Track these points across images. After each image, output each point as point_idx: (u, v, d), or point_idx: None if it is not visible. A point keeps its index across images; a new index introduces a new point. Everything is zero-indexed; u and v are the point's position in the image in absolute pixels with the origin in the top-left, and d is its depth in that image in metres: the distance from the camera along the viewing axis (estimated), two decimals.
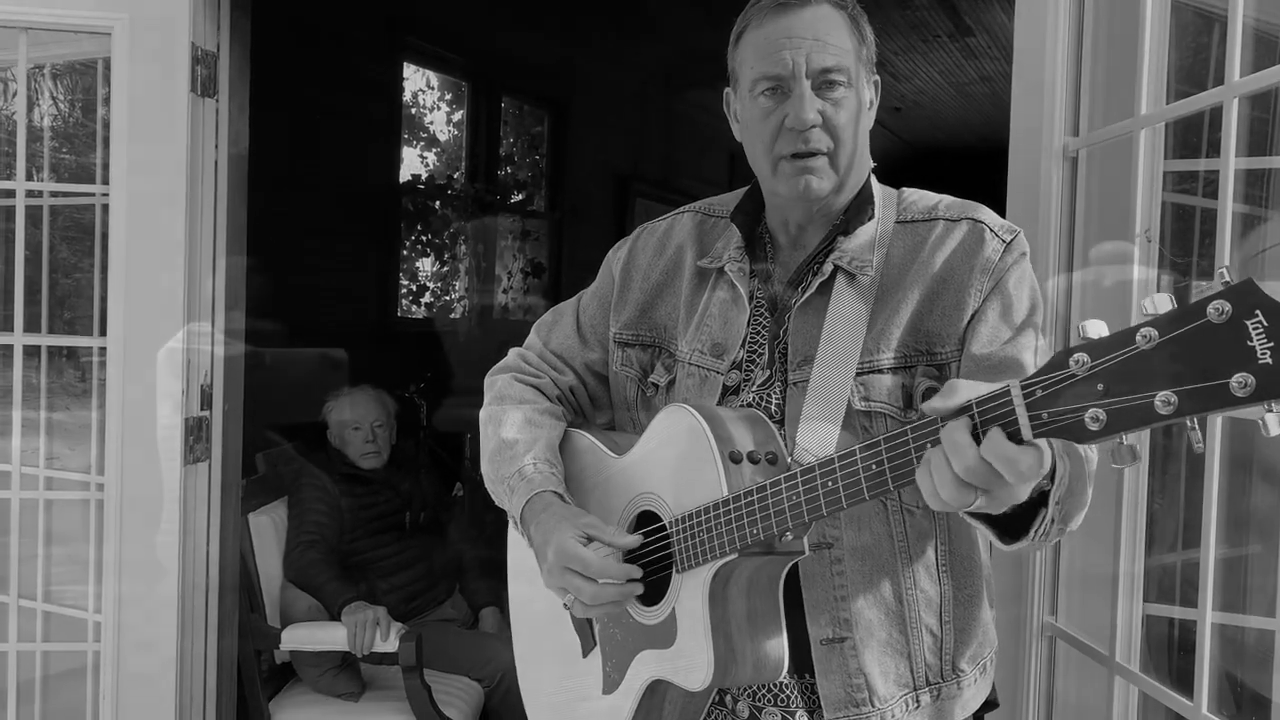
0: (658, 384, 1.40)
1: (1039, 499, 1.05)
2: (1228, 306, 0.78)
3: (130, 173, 2.27)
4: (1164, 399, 0.81)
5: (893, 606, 1.28)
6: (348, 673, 2.98)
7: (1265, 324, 0.77)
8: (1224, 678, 1.76)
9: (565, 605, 1.27)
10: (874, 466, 1.03)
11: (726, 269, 1.36)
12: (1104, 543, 1.72)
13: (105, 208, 2.33)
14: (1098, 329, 0.86)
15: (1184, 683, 1.54)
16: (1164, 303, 0.83)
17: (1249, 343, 0.78)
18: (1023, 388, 0.90)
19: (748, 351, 1.33)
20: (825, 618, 1.27)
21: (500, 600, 3.47)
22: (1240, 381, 0.78)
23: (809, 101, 1.25)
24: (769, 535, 1.12)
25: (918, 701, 1.30)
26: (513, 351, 1.55)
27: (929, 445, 0.98)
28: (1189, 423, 0.82)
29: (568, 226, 6.39)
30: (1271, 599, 1.78)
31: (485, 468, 1.43)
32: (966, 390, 0.95)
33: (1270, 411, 0.78)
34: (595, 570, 1.21)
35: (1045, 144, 1.76)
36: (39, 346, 2.42)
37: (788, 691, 1.30)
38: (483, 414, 1.48)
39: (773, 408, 1.29)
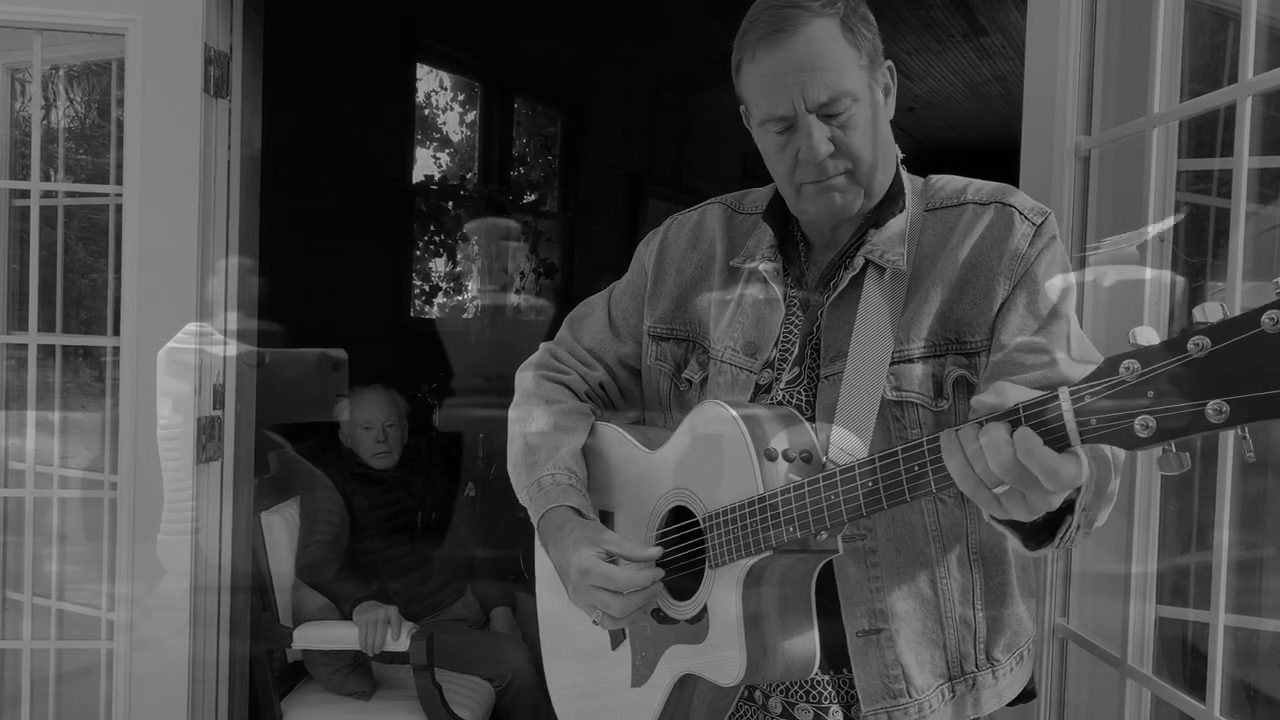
0: (691, 380, 1.40)
1: (1065, 506, 1.05)
2: None
3: (143, 173, 2.28)
4: (1215, 407, 0.81)
5: (927, 596, 1.28)
6: (359, 672, 2.98)
7: None
8: (1237, 681, 1.75)
9: (594, 622, 1.28)
10: (916, 468, 1.03)
11: (760, 268, 1.35)
12: (1116, 545, 1.71)
13: (119, 208, 2.34)
14: (1148, 336, 0.86)
15: (1197, 686, 1.53)
16: (1215, 311, 0.82)
17: None
18: (1071, 394, 0.90)
19: (780, 350, 1.33)
20: (861, 609, 1.27)
21: (512, 600, 3.48)
22: None
23: (817, 136, 1.23)
24: (806, 534, 1.13)
25: (953, 691, 1.30)
26: (543, 347, 1.55)
27: None
28: (1240, 432, 0.82)
29: (580, 227, 6.39)
30: None
31: (510, 470, 1.44)
32: (1016, 394, 0.95)
33: None
34: (621, 584, 1.22)
35: (1057, 143, 1.75)
36: (54, 346, 2.44)
37: (820, 687, 1.30)
38: (510, 413, 1.48)
39: (802, 403, 1.29)
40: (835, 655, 1.28)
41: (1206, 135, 1.72)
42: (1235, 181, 1.41)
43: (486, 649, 3.22)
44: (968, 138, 8.12)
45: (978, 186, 1.32)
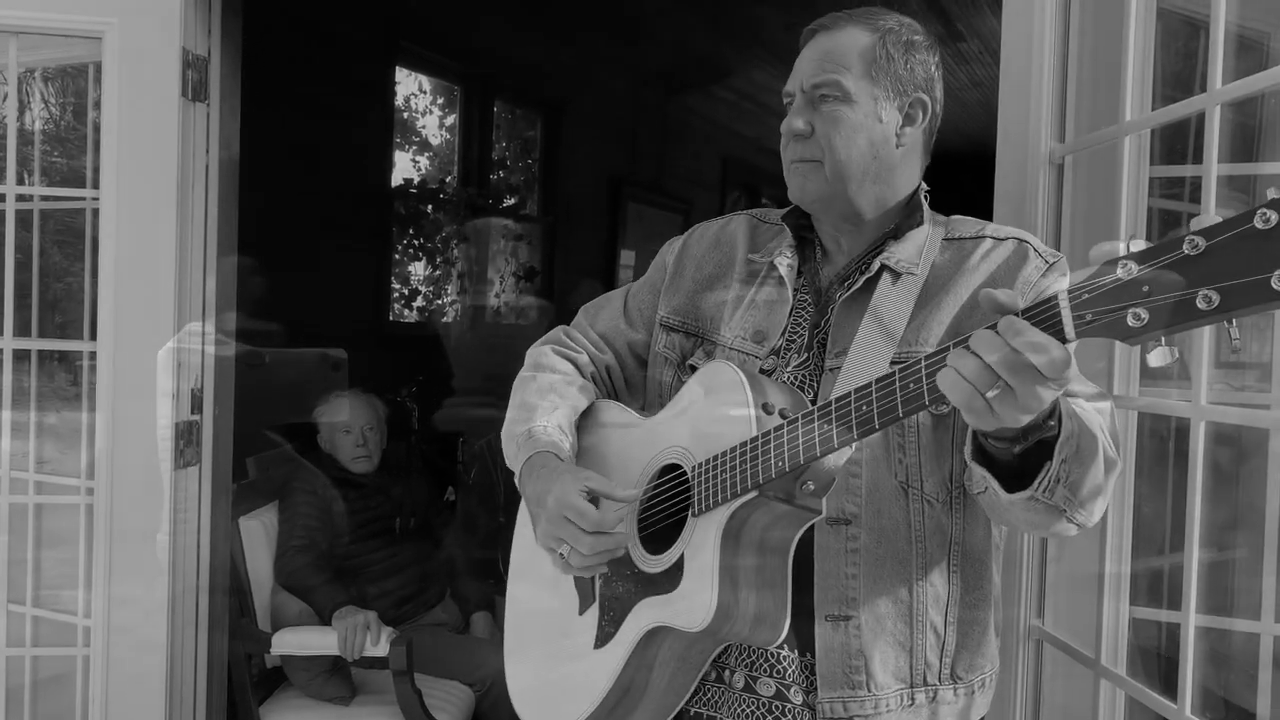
0: (695, 367, 1.42)
1: (1044, 451, 1.08)
2: (1274, 215, 0.81)
3: (120, 177, 2.27)
4: (1205, 296, 0.84)
5: (901, 596, 1.30)
6: (338, 677, 2.97)
7: None
8: (1209, 680, 1.77)
9: (561, 555, 1.27)
10: (911, 385, 1.05)
11: (776, 263, 1.40)
12: (1091, 546, 1.73)
13: (96, 212, 2.32)
14: (1143, 244, 0.90)
15: (1170, 686, 1.54)
16: (1213, 219, 0.85)
17: None
18: (1070, 293, 0.93)
19: (787, 340, 1.37)
20: (834, 594, 1.28)
21: (492, 605, 3.47)
22: None
23: (796, 111, 1.34)
24: (795, 465, 1.14)
25: (913, 699, 1.31)
26: (558, 327, 1.60)
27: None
28: (1227, 323, 0.85)
29: (560, 230, 6.39)
30: (1257, 602, 1.79)
31: (504, 430, 1.47)
32: (1020, 301, 0.99)
33: None
34: (592, 522, 1.23)
35: (1032, 150, 1.77)
36: (29, 350, 2.42)
37: (786, 663, 1.31)
38: (516, 379, 1.51)
39: (806, 389, 1.32)
40: (804, 639, 1.29)
41: (1178, 142, 1.74)
42: (1205, 188, 1.43)
43: (466, 654, 3.22)
44: (946, 143, 8.17)
45: (996, 226, 1.38)
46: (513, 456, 1.42)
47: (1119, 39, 1.64)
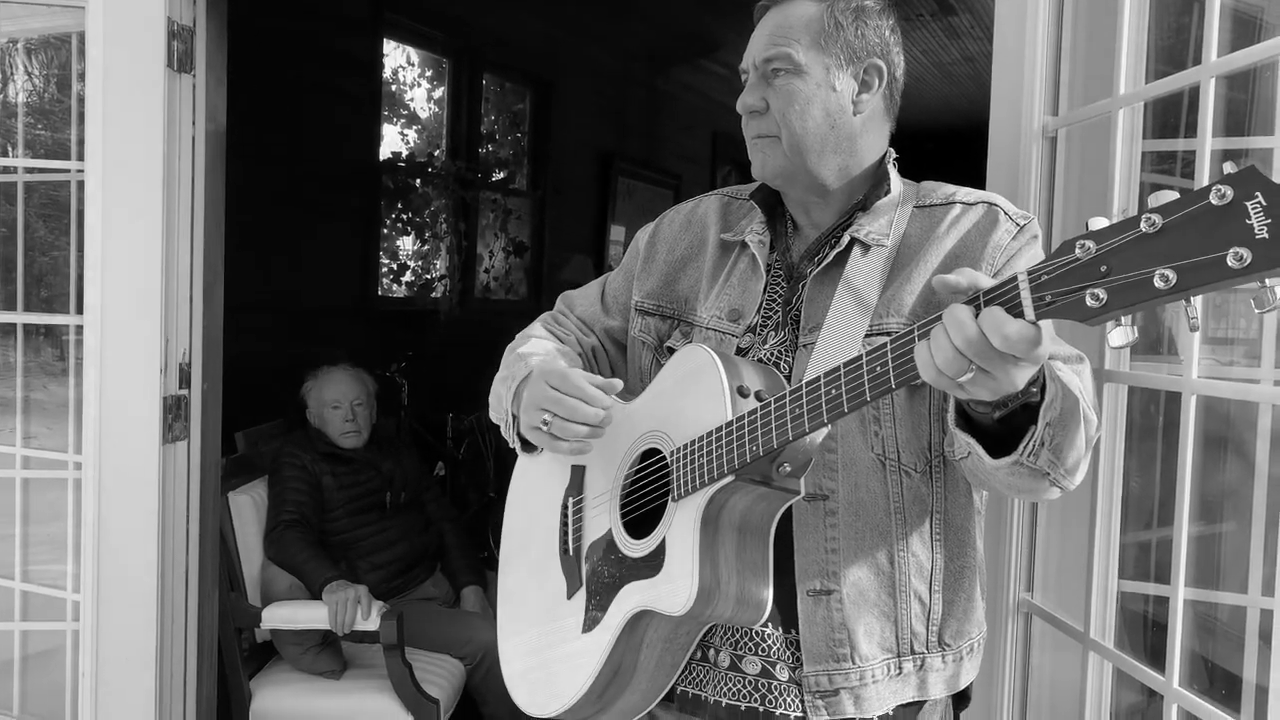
0: (673, 349, 1.42)
1: (1028, 416, 1.08)
2: (1229, 190, 0.81)
3: (106, 149, 2.24)
4: (1162, 275, 0.83)
5: (883, 567, 1.30)
6: (329, 651, 2.98)
7: (1264, 203, 0.80)
8: (1196, 653, 1.78)
9: (544, 422, 1.28)
10: (878, 368, 1.05)
11: (747, 239, 1.41)
12: (1080, 520, 1.74)
13: (81, 184, 2.30)
14: (1102, 222, 0.89)
15: (1158, 658, 1.56)
16: (1169, 195, 0.85)
17: (1247, 221, 0.80)
18: (1029, 274, 0.93)
19: (762, 317, 1.37)
20: (814, 568, 1.29)
21: (482, 579, 3.48)
22: (1236, 254, 0.80)
23: (748, 89, 1.36)
24: (769, 450, 1.14)
25: (900, 668, 1.32)
26: (543, 314, 1.63)
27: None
28: (1185, 302, 0.85)
29: (550, 205, 6.36)
30: (1244, 576, 1.80)
31: (494, 387, 1.47)
32: (983, 280, 0.98)
33: (1263, 286, 0.81)
34: (574, 386, 1.27)
35: (1025, 124, 1.76)
36: (14, 324, 2.40)
37: (771, 641, 1.32)
38: (504, 352, 1.53)
39: (782, 366, 1.32)
40: (787, 615, 1.30)
41: (1171, 116, 1.74)
42: (1199, 162, 1.43)
43: (457, 627, 3.22)
44: (937, 118, 8.15)
45: (966, 191, 1.38)
46: (502, 397, 1.42)
47: (1113, 12, 1.64)
